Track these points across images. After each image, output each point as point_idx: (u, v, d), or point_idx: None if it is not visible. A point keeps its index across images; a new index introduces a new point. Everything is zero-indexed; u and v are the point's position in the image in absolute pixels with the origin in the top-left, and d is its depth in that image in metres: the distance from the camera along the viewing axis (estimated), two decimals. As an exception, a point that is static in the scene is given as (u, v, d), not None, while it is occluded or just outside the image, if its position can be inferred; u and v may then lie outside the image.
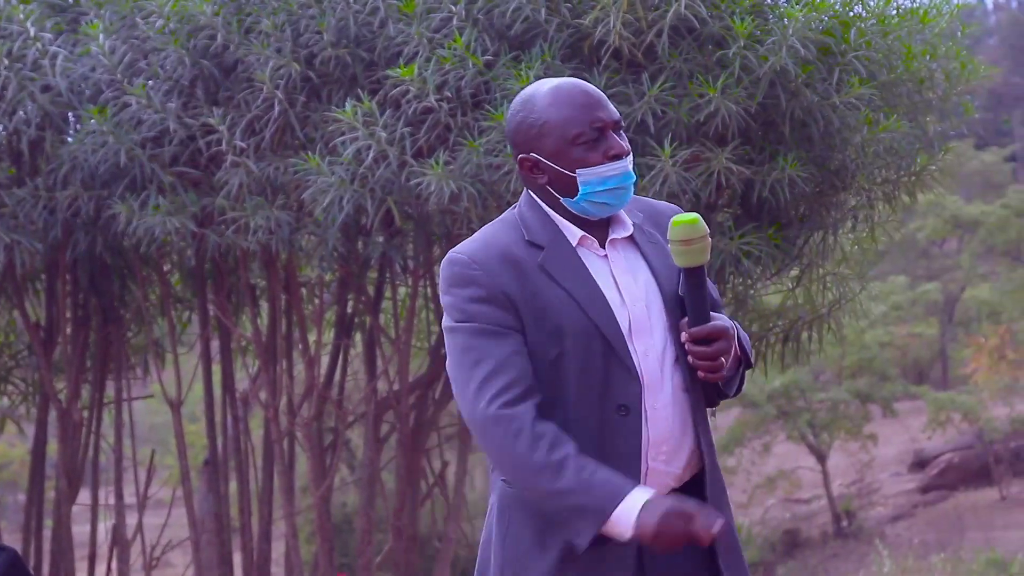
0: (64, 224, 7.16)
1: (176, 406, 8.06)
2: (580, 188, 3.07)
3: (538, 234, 3.12)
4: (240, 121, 6.69)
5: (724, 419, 21.87)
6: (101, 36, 6.90)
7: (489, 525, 3.17)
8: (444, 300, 3.11)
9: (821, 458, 21.59)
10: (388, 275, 8.13)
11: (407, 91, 6.28)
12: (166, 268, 8.32)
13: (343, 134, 6.36)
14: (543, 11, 6.20)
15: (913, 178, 6.89)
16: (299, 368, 8.15)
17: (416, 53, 6.34)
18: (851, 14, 6.51)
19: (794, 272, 7.28)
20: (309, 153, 6.43)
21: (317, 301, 8.06)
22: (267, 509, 8.28)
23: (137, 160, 6.84)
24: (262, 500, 8.28)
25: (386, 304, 8.53)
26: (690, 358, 3.07)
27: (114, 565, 8.30)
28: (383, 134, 6.27)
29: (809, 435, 21.54)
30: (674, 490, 3.11)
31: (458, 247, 3.13)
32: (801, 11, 6.10)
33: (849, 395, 21.66)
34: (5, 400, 9.19)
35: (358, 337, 8.43)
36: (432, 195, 6.22)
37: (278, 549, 9.32)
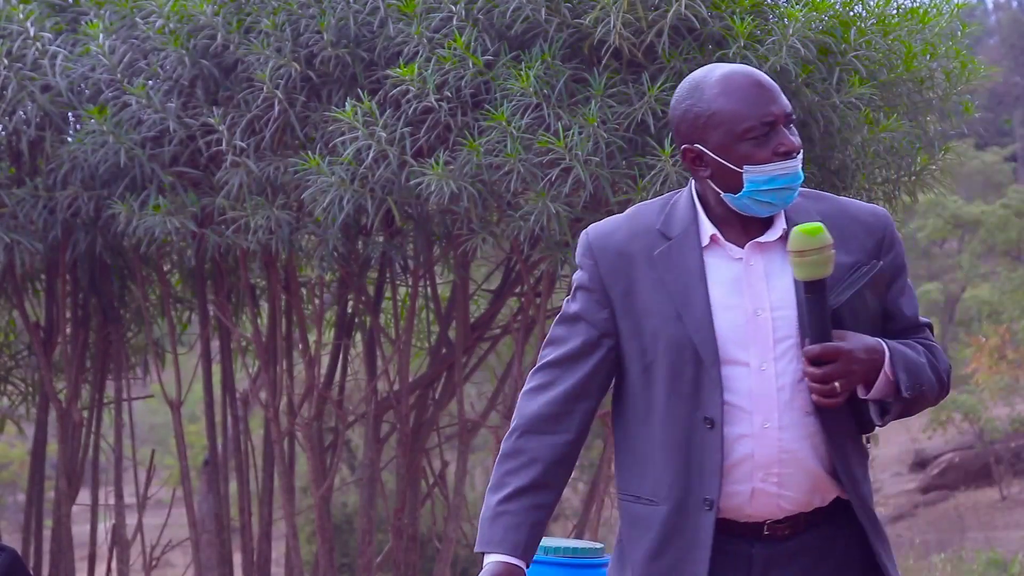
0: (64, 224, 7.15)
1: (176, 406, 8.05)
2: (745, 185, 2.87)
3: (674, 226, 2.95)
4: (240, 121, 6.68)
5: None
6: (101, 36, 6.89)
7: None
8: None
9: (822, 458, 21.55)
10: (388, 275, 8.12)
11: (407, 91, 6.27)
12: (166, 268, 8.31)
13: (343, 134, 6.36)
14: (543, 11, 6.19)
15: (913, 178, 6.88)
16: (299, 368, 8.14)
17: (416, 53, 6.34)
18: (851, 14, 6.50)
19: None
20: (309, 153, 6.43)
21: (317, 301, 8.05)
22: (267, 509, 8.27)
23: (137, 160, 6.84)
24: (262, 500, 8.27)
25: (386, 304, 8.51)
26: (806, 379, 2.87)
27: (114, 565, 8.30)
28: (383, 134, 6.26)
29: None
30: (805, 515, 2.92)
31: (598, 223, 3.06)
32: (801, 11, 6.09)
33: (849, 395, 21.59)
34: (5, 400, 9.18)
35: (358, 337, 8.42)
36: (432, 195, 6.22)
37: (278, 549, 9.30)
